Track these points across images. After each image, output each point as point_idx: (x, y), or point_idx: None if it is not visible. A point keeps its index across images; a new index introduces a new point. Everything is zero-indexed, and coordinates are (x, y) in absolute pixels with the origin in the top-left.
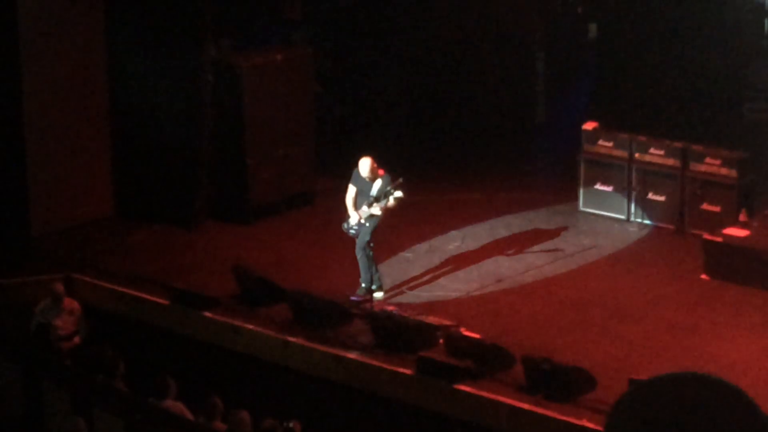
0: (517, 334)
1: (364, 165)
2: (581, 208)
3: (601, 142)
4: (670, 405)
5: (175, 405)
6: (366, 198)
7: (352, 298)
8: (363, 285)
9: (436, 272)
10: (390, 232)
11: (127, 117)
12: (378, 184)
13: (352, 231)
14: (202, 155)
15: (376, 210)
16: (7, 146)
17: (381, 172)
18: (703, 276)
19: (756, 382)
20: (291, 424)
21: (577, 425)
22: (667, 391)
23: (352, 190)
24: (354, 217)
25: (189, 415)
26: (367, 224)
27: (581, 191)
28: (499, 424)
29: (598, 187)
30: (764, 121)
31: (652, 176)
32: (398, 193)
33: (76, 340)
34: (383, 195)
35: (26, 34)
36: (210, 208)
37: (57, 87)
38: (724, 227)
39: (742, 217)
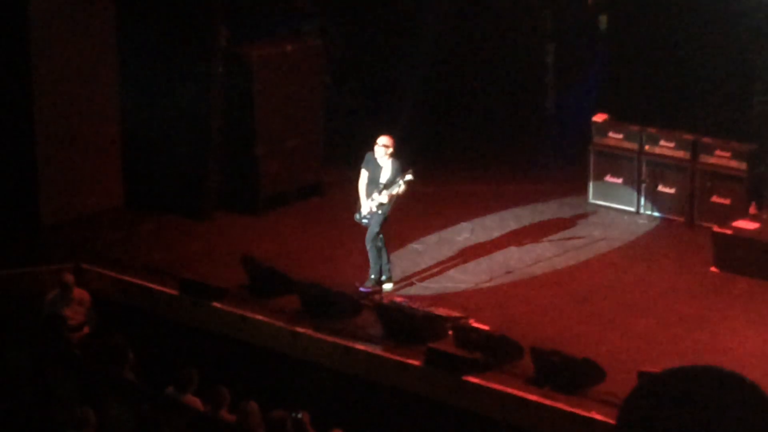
0: (526, 325)
1: (383, 140)
2: (591, 200)
3: (611, 134)
4: (683, 397)
5: (193, 401)
6: (376, 186)
7: (361, 289)
8: (372, 276)
9: (445, 264)
10: (399, 224)
11: (137, 107)
12: (388, 169)
13: (364, 221)
14: (212, 146)
15: (386, 197)
16: (17, 136)
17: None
18: (713, 268)
19: (766, 373)
20: (299, 415)
21: (585, 417)
22: (679, 383)
23: (363, 175)
24: (365, 207)
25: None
26: (379, 212)
27: (591, 183)
28: (507, 416)
29: (608, 179)
30: None
31: (662, 168)
32: (408, 177)
33: (86, 330)
34: (393, 180)
35: (36, 24)
36: (219, 198)
37: (66, 77)
38: (734, 219)
39: (752, 210)
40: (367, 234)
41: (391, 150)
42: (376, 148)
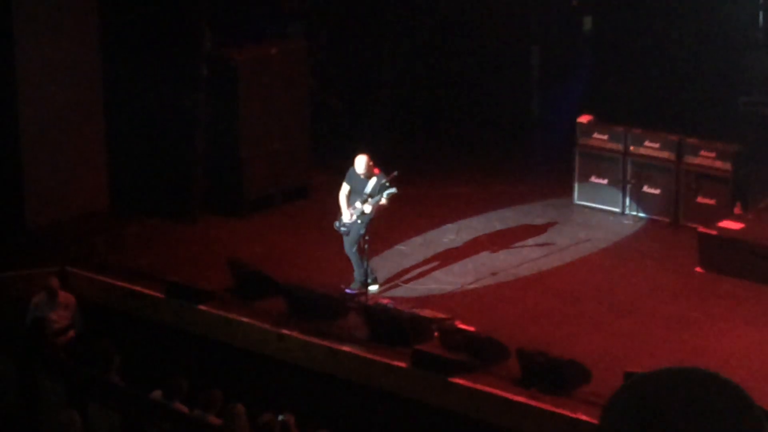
0: (512, 327)
1: (360, 162)
2: (576, 201)
3: (595, 135)
4: (666, 399)
5: (180, 409)
6: (360, 196)
7: (347, 291)
8: (358, 278)
9: (430, 265)
10: (385, 225)
11: (122, 110)
12: (372, 182)
13: (343, 229)
14: (197, 149)
15: (369, 208)
16: (1, 139)
17: (376, 170)
18: (698, 269)
19: (750, 374)
20: (285, 417)
21: (572, 418)
22: (662, 385)
23: (345, 188)
24: (346, 215)
25: None
26: (360, 221)
27: (576, 184)
28: (493, 418)
29: (593, 180)
30: (759, 114)
31: (647, 169)
32: (392, 190)
33: (71, 334)
34: (377, 191)
35: (21, 28)
36: (205, 201)
37: (52, 80)
38: (719, 220)
39: (737, 210)
40: (347, 240)
41: (371, 170)
42: (356, 168)
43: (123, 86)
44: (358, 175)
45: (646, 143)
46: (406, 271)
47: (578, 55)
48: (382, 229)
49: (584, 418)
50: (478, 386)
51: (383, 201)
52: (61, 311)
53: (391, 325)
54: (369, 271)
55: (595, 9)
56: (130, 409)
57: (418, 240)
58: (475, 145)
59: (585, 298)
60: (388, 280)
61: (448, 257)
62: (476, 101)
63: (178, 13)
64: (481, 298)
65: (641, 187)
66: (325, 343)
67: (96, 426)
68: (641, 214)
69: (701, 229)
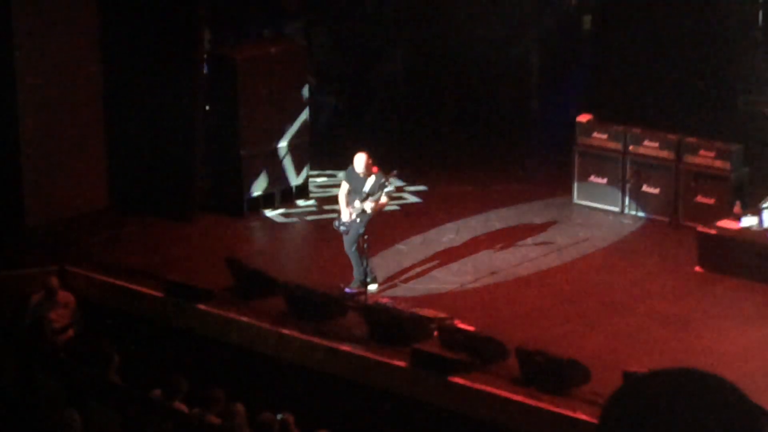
0: (512, 326)
1: (359, 160)
2: (575, 200)
3: (595, 134)
4: (665, 399)
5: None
6: (359, 195)
7: (347, 290)
8: (357, 277)
9: (430, 264)
10: (384, 224)
11: (122, 109)
12: (371, 181)
13: (342, 228)
14: (196, 148)
15: (368, 206)
16: (2, 138)
17: (375, 169)
18: (697, 268)
19: (750, 374)
20: (284, 417)
21: (571, 417)
22: (662, 385)
23: (344, 187)
24: (345, 214)
25: None
26: (359, 220)
27: (575, 184)
28: (492, 417)
29: (593, 179)
30: (758, 113)
31: (646, 168)
32: (390, 188)
33: (71, 333)
34: (376, 190)
35: (21, 25)
36: (204, 200)
37: (51, 78)
38: (718, 219)
39: (736, 210)
40: (346, 239)
41: (370, 169)
42: (355, 167)
43: (122, 86)
44: (358, 174)
45: (646, 143)
46: (406, 270)
47: (578, 54)
48: (381, 229)
49: (584, 417)
50: (478, 385)
51: (384, 199)
52: (60, 310)
53: (390, 325)
54: (368, 270)
55: (594, 8)
56: (129, 409)
57: (417, 239)
58: (474, 144)
59: (584, 298)
60: (387, 280)
61: (447, 257)
62: (476, 101)
63: (178, 13)
64: (481, 297)
65: (640, 186)
66: (325, 342)
67: (95, 425)
68: (640, 214)
69: (700, 228)
